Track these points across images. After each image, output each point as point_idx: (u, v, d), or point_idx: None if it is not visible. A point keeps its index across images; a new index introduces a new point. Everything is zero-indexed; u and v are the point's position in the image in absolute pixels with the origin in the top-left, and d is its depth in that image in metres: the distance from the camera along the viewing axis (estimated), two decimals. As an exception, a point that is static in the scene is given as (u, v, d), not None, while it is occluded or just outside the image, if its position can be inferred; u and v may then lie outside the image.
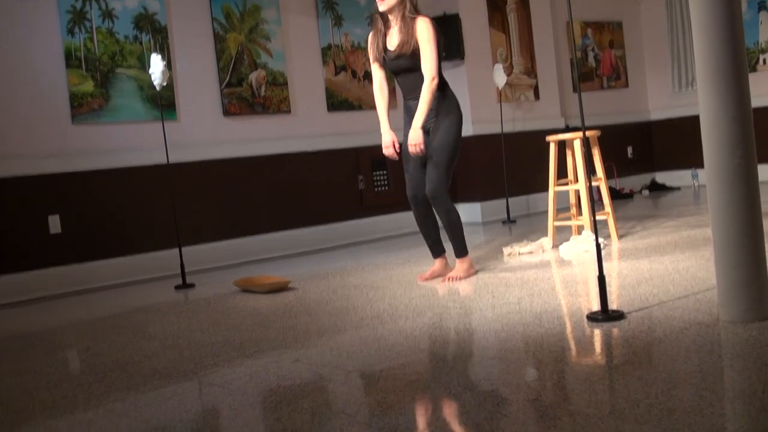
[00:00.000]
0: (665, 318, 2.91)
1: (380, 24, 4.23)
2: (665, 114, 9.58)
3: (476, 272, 4.44)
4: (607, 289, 3.07)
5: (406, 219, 7.26)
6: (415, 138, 4.11)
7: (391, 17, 4.18)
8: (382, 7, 4.14)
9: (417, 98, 4.16)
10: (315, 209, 6.76)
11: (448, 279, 4.32)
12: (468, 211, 7.73)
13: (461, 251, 4.37)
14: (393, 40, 4.19)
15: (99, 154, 5.68)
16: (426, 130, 4.20)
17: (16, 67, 5.39)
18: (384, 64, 4.28)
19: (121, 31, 5.82)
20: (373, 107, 7.13)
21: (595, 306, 3.16)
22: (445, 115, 4.18)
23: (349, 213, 7.00)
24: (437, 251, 4.49)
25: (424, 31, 4.06)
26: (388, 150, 4.36)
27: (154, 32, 5.98)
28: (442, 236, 4.49)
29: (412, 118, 4.20)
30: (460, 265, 4.36)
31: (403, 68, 4.18)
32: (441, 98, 4.18)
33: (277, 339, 3.31)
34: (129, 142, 5.82)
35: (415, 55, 4.09)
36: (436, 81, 4.07)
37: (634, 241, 5.13)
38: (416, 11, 4.13)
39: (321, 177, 6.82)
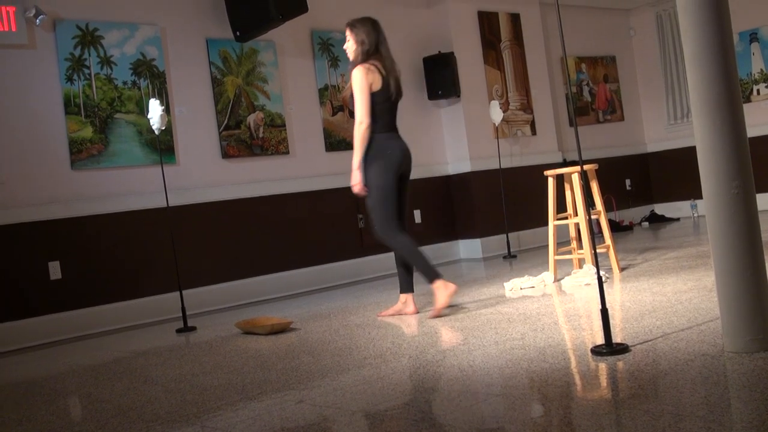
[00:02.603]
0: (670, 350, 2.89)
1: None
2: (662, 146, 9.63)
3: (456, 288, 4.43)
4: (611, 322, 3.06)
5: (407, 257, 7.26)
6: (353, 179, 4.43)
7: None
8: (351, 58, 4.52)
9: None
10: (315, 249, 6.76)
11: (436, 313, 4.36)
12: (468, 247, 7.74)
13: (431, 277, 4.39)
14: (347, 87, 4.51)
15: (99, 199, 5.69)
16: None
17: (15, 115, 5.43)
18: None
19: (119, 77, 5.88)
20: (371, 146, 7.21)
21: (599, 339, 3.14)
22: (370, 161, 4.40)
23: (349, 252, 6.99)
24: (402, 287, 4.62)
25: (354, 79, 4.38)
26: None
27: (153, 77, 6.04)
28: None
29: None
30: (437, 292, 4.37)
31: (352, 113, 4.50)
32: (370, 143, 4.40)
33: (279, 380, 3.28)
34: (128, 187, 5.84)
35: (352, 100, 4.42)
36: (363, 125, 4.34)
37: (635, 273, 5.12)
38: (364, 59, 4.42)
39: (321, 217, 6.84)
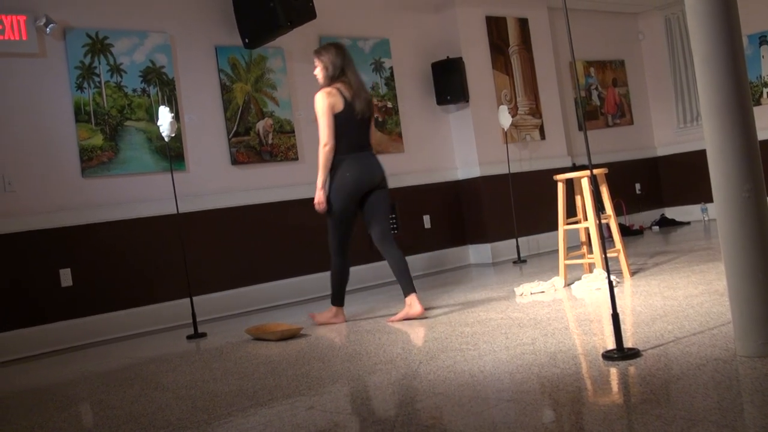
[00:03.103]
0: (682, 355, 2.88)
1: None
2: (671, 150, 9.60)
3: (340, 322, 4.87)
4: (622, 326, 3.05)
5: (417, 262, 7.28)
6: (316, 197, 4.66)
7: None
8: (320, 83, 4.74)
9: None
10: (325, 255, 6.72)
11: (313, 318, 4.96)
12: (478, 252, 7.73)
13: (334, 301, 4.89)
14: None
15: (109, 206, 5.71)
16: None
17: (26, 123, 5.46)
18: None
19: (129, 85, 5.91)
20: (379, 152, 7.22)
21: (610, 344, 3.13)
22: (332, 181, 4.65)
23: (359, 257, 6.98)
24: (404, 291, 4.70)
25: (316, 103, 4.61)
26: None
27: (162, 85, 6.06)
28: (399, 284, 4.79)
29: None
30: (328, 311, 4.92)
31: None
32: (333, 163, 4.63)
33: (290, 387, 3.28)
34: (139, 194, 5.86)
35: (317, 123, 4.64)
36: (327, 147, 4.57)
37: (646, 277, 5.10)
38: (329, 83, 4.65)
39: (330, 222, 6.83)
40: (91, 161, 5.67)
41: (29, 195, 5.43)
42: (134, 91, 5.93)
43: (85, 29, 5.75)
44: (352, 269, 6.91)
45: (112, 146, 5.78)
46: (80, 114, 5.66)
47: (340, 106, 4.58)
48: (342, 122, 4.57)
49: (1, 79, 5.40)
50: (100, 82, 5.78)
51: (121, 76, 5.88)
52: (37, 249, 5.40)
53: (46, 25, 5.48)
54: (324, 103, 4.56)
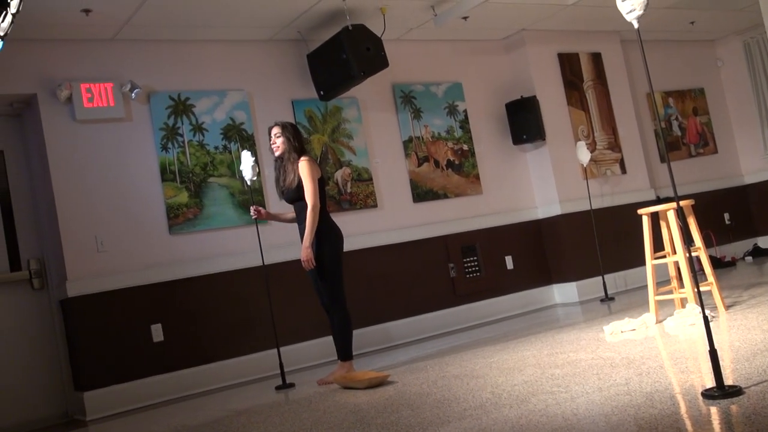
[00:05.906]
0: (787, 391, 2.74)
1: (278, 165, 5.11)
2: (761, 177, 9.29)
3: (347, 380, 4.73)
4: (720, 363, 2.93)
5: (501, 304, 7.20)
6: (304, 255, 4.88)
7: (284, 160, 5.06)
8: (277, 153, 5.09)
9: (303, 222, 4.94)
10: (408, 300, 6.74)
11: (325, 380, 4.98)
12: (564, 292, 7.58)
13: (345, 356, 4.99)
14: (288, 177, 5.02)
15: (196, 261, 5.86)
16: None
17: (116, 185, 5.69)
18: (281, 196, 5.16)
19: (211, 143, 6.09)
20: (458, 195, 7.22)
21: (709, 382, 3.01)
22: (324, 237, 4.93)
23: (442, 302, 6.95)
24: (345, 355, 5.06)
25: (304, 169, 4.94)
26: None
27: (242, 140, 6.23)
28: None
29: (301, 237, 4.98)
30: (339, 369, 4.97)
31: (292, 199, 5.03)
32: (321, 224, 4.92)
33: (380, 435, 3.26)
34: (224, 248, 6.00)
35: (299, 188, 4.94)
36: (317, 208, 4.90)
37: (742, 310, 4.90)
38: (299, 155, 5.01)
39: (412, 268, 6.84)
40: (177, 218, 5.85)
41: (120, 254, 5.62)
42: (216, 148, 6.12)
43: (167, 92, 5.98)
44: (441, 313, 6.91)
45: (197, 203, 5.95)
46: (166, 173, 5.86)
47: (320, 173, 5.03)
48: (321, 187, 5.00)
49: (92, 144, 5.65)
50: (183, 142, 5.98)
51: (203, 135, 6.08)
52: (129, 306, 5.57)
53: (131, 90, 5.73)
54: (313, 170, 4.96)
